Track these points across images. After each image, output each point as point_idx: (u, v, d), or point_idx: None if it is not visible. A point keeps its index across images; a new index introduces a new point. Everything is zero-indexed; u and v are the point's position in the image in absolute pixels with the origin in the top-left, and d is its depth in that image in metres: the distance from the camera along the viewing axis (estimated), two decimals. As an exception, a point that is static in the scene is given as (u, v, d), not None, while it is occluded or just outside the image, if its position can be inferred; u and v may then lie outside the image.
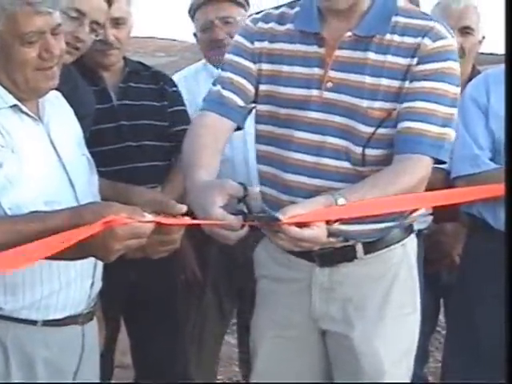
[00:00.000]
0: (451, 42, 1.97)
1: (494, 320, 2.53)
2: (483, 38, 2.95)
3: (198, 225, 1.70)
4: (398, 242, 2.12)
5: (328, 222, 1.76)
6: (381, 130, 1.97)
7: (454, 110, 1.97)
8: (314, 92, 2.02)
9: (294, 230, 1.69)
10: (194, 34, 2.91)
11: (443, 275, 2.93)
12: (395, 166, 1.93)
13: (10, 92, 1.85)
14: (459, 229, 2.80)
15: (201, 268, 2.72)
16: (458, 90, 1.98)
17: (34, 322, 1.86)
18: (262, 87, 2.09)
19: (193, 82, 2.85)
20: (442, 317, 3.19)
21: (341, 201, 1.77)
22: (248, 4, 2.88)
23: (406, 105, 1.94)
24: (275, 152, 2.09)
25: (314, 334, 2.16)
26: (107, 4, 2.39)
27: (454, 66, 1.96)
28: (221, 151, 2.05)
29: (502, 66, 2.62)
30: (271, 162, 2.11)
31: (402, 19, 1.98)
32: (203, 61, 2.93)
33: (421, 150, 1.92)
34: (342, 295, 2.10)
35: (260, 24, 2.10)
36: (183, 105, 2.72)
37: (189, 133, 2.09)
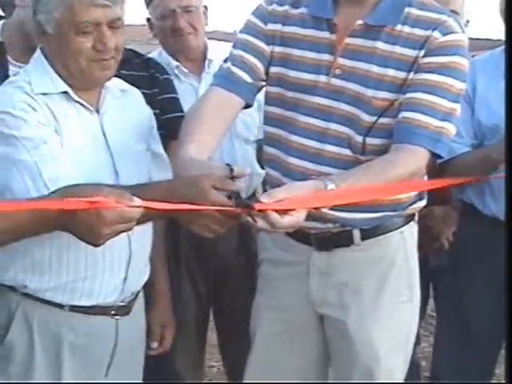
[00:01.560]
0: (461, 37, 1.97)
1: (484, 303, 2.57)
2: (467, 21, 2.95)
3: (192, 209, 1.65)
4: (397, 229, 2.13)
5: (316, 208, 1.76)
6: (382, 120, 1.98)
7: (457, 106, 1.96)
8: (322, 78, 2.03)
9: (274, 215, 1.66)
10: (148, 20, 2.88)
11: (432, 259, 2.94)
12: (389, 155, 1.93)
13: (65, 80, 1.89)
14: (448, 213, 2.82)
15: (173, 252, 2.66)
16: (463, 85, 1.97)
17: (60, 306, 1.90)
18: (273, 69, 2.10)
19: None
20: (431, 301, 3.19)
21: (331, 186, 1.76)
22: None
23: (408, 95, 1.95)
24: (281, 135, 2.11)
25: (311, 318, 2.18)
26: None
27: (461, 62, 1.96)
28: (224, 127, 2.05)
29: (489, 52, 2.63)
30: (277, 144, 2.12)
31: (414, 11, 1.98)
32: (159, 49, 2.90)
33: (417, 141, 1.92)
34: (339, 280, 2.12)
35: (274, 6, 2.10)
36: (175, 92, 2.69)
37: (191, 108, 2.11)
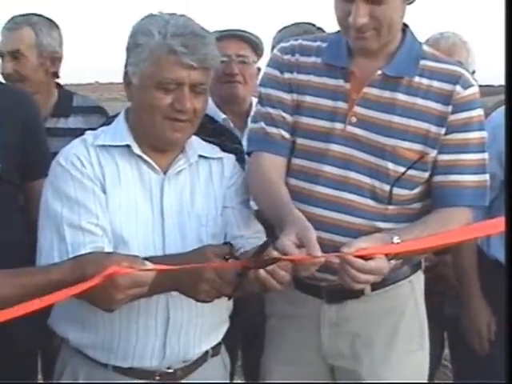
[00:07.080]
0: (477, 88, 2.02)
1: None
2: (473, 71, 2.98)
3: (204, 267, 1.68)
4: (405, 278, 2.14)
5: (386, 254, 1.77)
6: (412, 172, 2.00)
7: (486, 155, 2.02)
8: (338, 125, 2.04)
9: (360, 261, 1.70)
10: None
11: (447, 307, 2.92)
12: (441, 214, 1.97)
13: (135, 134, 1.91)
14: None
15: None
16: (486, 134, 2.02)
17: (104, 365, 1.88)
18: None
19: None
20: (447, 350, 3.16)
21: (396, 239, 1.80)
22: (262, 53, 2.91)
23: (444, 157, 1.99)
24: (298, 185, 2.09)
25: (323, 369, 2.17)
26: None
27: (481, 113, 2.02)
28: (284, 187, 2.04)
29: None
30: (296, 194, 2.06)
31: (428, 63, 2.02)
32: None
33: (465, 201, 1.98)
34: (350, 331, 2.12)
35: (288, 56, 2.12)
36: (243, 161, 2.53)
37: (252, 180, 2.08)
